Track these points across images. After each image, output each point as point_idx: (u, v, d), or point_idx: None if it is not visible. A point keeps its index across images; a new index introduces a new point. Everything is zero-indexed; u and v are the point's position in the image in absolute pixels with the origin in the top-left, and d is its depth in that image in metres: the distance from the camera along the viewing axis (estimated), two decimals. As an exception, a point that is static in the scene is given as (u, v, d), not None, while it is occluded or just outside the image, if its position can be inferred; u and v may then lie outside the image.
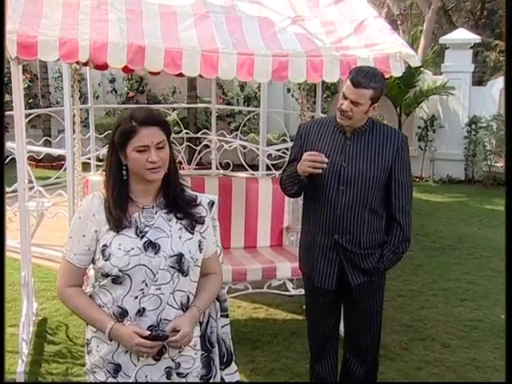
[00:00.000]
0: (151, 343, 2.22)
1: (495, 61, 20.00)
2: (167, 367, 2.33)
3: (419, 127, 10.97)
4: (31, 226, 5.44)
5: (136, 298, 2.25)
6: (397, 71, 3.88)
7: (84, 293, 2.38)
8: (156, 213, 2.32)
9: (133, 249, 2.23)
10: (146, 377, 2.30)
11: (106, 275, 2.26)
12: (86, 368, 2.42)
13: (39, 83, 11.56)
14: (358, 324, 3.46)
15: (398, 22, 15.96)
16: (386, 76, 3.86)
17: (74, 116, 5.88)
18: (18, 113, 4.25)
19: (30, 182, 6.23)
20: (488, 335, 4.99)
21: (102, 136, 9.37)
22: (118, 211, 2.26)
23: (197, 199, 2.40)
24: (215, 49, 3.68)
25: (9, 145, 6.57)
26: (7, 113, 8.92)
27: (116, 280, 2.25)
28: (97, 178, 5.18)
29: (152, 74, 5.45)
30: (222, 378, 2.51)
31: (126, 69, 5.55)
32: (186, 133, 9.23)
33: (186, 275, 2.31)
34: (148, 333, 2.22)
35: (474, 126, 10.82)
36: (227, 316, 2.55)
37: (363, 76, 3.06)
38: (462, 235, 7.91)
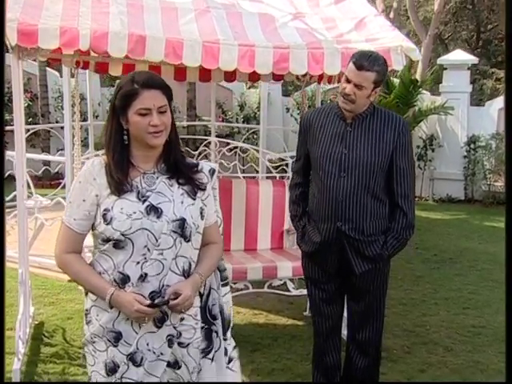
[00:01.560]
0: (151, 311, 2.18)
1: (492, 88, 20.18)
2: (169, 335, 2.28)
3: (418, 147, 10.98)
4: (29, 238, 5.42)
5: (138, 263, 2.21)
6: (398, 64, 3.89)
7: (84, 259, 2.34)
8: (157, 178, 2.29)
9: (135, 212, 2.20)
10: (148, 344, 2.26)
11: (107, 240, 2.22)
12: (84, 339, 2.35)
13: (39, 102, 11.60)
14: (361, 315, 3.40)
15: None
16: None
17: (73, 137, 5.93)
18: (18, 113, 4.21)
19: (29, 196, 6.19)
20: (491, 340, 4.91)
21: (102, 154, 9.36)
22: (120, 174, 2.23)
23: (198, 165, 2.38)
24: (216, 40, 3.69)
25: (8, 153, 6.57)
26: (7, 128, 8.97)
27: (118, 245, 2.21)
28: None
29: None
30: (225, 349, 2.45)
31: (125, 71, 5.60)
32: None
33: (188, 241, 2.28)
34: (148, 302, 2.18)
35: (472, 146, 10.84)
36: (227, 284, 2.51)
37: (366, 59, 3.06)
38: (463, 249, 7.86)
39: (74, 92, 6.33)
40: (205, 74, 5.61)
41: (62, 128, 9.52)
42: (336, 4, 4.44)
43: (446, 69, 11.37)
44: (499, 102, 11.16)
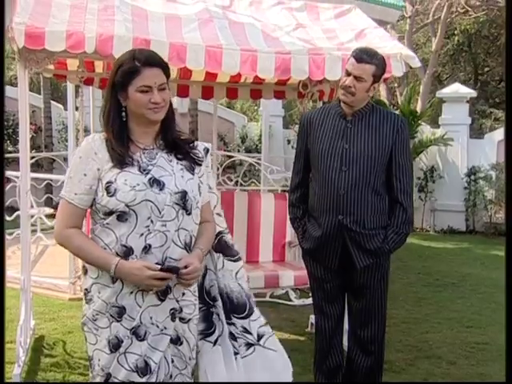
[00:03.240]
0: (163, 274, 2.18)
1: (491, 128, 20.40)
2: (172, 308, 2.29)
3: (419, 178, 11.03)
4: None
5: (142, 235, 2.23)
6: (398, 71, 3.97)
7: (84, 233, 2.35)
8: (157, 154, 2.33)
9: (138, 184, 2.23)
10: (151, 318, 2.26)
11: (111, 213, 2.23)
12: (84, 318, 2.33)
13: (43, 134, 11.71)
14: (362, 313, 3.40)
15: (395, 85, 16.38)
16: (387, 75, 3.96)
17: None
18: (24, 119, 4.27)
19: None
20: (495, 356, 4.85)
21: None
22: (121, 148, 2.26)
23: (194, 142, 2.44)
24: (219, 45, 3.77)
25: (10, 173, 6.64)
26: (11, 155, 9.03)
27: (121, 217, 2.22)
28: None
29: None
30: (230, 333, 2.44)
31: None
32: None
33: (189, 214, 2.30)
34: (158, 267, 2.18)
35: (473, 177, 10.90)
36: (240, 259, 2.51)
37: (366, 53, 3.20)
38: (465, 274, 7.82)
39: (79, 123, 6.45)
40: (207, 91, 5.71)
41: (66, 159, 9.64)
42: (336, 18, 4.56)
43: (444, 102, 11.51)
44: (498, 135, 11.27)
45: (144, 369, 2.24)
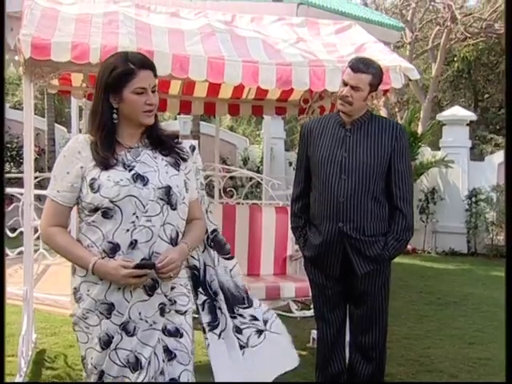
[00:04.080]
0: (138, 271, 2.20)
1: (491, 153, 20.49)
2: (161, 303, 2.31)
3: (420, 200, 11.07)
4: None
5: (127, 230, 2.25)
6: (397, 83, 4.02)
7: (68, 232, 2.37)
8: (142, 151, 2.37)
9: (122, 180, 2.25)
10: (140, 313, 2.27)
11: (95, 209, 2.26)
12: (75, 318, 2.35)
13: (46, 156, 11.80)
14: (363, 320, 3.41)
15: (396, 110, 16.50)
16: (387, 87, 4.02)
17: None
18: (28, 133, 4.32)
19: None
20: (498, 371, 4.82)
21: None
22: (107, 152, 2.29)
23: (178, 136, 2.49)
24: (221, 56, 3.84)
25: (13, 190, 6.69)
26: (14, 175, 9.09)
27: (106, 213, 2.24)
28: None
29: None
30: (235, 327, 2.47)
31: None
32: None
33: (175, 209, 2.32)
34: (134, 263, 2.20)
35: (474, 199, 10.92)
36: (233, 258, 2.53)
37: (362, 62, 3.26)
38: (467, 294, 7.80)
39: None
40: (209, 107, 5.78)
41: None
42: (336, 34, 4.64)
43: (445, 125, 11.60)
44: (499, 157, 11.33)
45: (135, 364, 2.25)
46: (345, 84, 3.25)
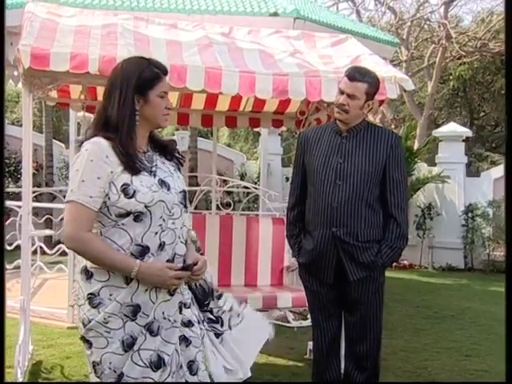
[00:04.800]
0: (184, 273, 2.32)
1: (486, 169, 20.58)
2: (180, 302, 2.39)
3: (417, 215, 11.09)
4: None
5: (156, 233, 2.31)
6: (392, 93, 4.07)
7: (101, 237, 2.34)
8: (153, 156, 2.45)
9: (152, 185, 2.33)
10: (163, 313, 2.33)
11: (127, 214, 2.28)
12: (90, 325, 2.30)
13: (44, 172, 11.82)
14: (357, 328, 3.42)
15: (393, 126, 16.58)
16: (382, 98, 4.07)
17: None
18: (27, 144, 4.35)
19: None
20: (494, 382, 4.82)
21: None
22: (133, 153, 2.35)
23: (176, 144, 2.62)
24: (218, 66, 3.89)
25: (11, 203, 6.70)
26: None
27: (138, 217, 2.29)
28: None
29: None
30: (209, 319, 2.54)
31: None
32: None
33: (186, 211, 2.44)
34: (181, 265, 2.32)
35: (470, 214, 10.94)
36: (203, 254, 2.63)
37: (358, 71, 3.31)
38: (464, 308, 7.79)
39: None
40: (207, 120, 5.82)
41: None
42: (332, 46, 4.70)
43: (441, 141, 11.66)
44: (495, 173, 11.40)
45: (157, 363, 2.28)
46: (341, 92, 3.30)
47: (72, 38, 4.05)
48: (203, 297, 2.52)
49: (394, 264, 9.37)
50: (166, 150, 2.48)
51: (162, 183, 2.35)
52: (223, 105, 5.63)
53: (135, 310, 2.28)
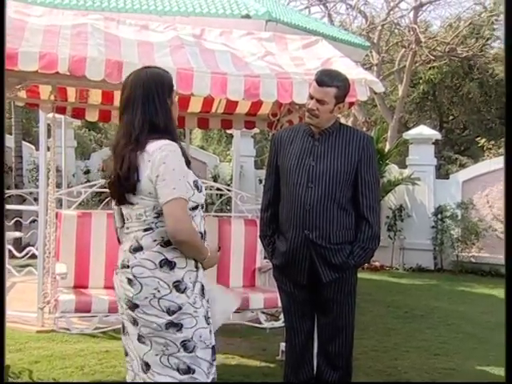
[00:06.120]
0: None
1: (455, 172, 20.87)
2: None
3: (388, 217, 11.20)
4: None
5: (202, 222, 2.64)
6: (362, 95, 4.11)
7: None
8: None
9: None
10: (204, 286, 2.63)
11: (196, 206, 2.57)
12: (184, 308, 2.49)
13: (13, 173, 11.66)
14: (329, 328, 3.44)
15: (364, 129, 16.74)
16: (352, 100, 4.10)
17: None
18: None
19: None
20: (462, 380, 4.90)
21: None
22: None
23: None
24: (190, 68, 3.89)
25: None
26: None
27: (201, 208, 2.62)
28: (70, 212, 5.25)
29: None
30: None
31: (101, 116, 5.78)
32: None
33: None
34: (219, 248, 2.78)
35: (440, 216, 11.09)
36: None
37: (326, 75, 3.33)
38: (433, 307, 7.90)
39: (50, 163, 6.44)
40: (178, 121, 5.78)
41: (36, 199, 9.57)
42: (304, 48, 4.73)
43: (411, 143, 11.80)
44: (463, 175, 11.58)
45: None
46: (311, 97, 3.32)
47: (41, 37, 4.00)
48: None
49: (366, 265, 9.45)
50: None
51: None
52: (195, 106, 5.62)
53: (202, 288, 2.58)
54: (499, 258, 10.54)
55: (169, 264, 2.48)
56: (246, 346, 5.42)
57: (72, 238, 4.82)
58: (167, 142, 2.46)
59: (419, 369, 5.11)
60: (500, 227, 10.57)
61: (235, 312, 4.53)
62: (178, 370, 2.50)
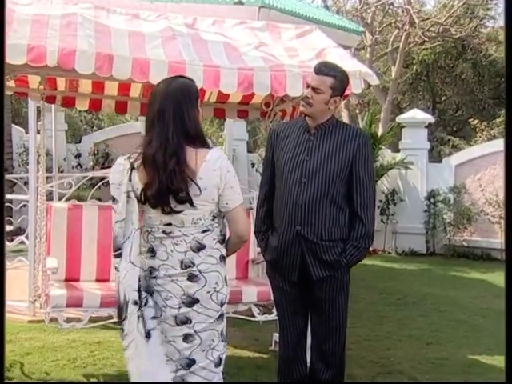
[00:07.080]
0: None
1: (449, 154, 20.86)
2: None
3: (380, 201, 11.18)
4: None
5: None
6: (357, 88, 4.06)
7: None
8: None
9: None
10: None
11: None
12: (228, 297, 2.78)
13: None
14: (322, 326, 3.43)
15: (357, 111, 16.67)
16: (347, 92, 4.04)
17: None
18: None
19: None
20: (455, 370, 4.93)
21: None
22: None
23: None
24: (182, 61, 3.82)
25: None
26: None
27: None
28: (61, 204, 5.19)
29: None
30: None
31: (91, 105, 5.70)
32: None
33: None
34: None
35: (432, 200, 11.09)
36: None
37: (325, 65, 3.32)
38: (426, 294, 7.93)
39: (40, 147, 6.34)
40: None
41: (26, 183, 9.48)
42: (297, 38, 4.66)
43: (404, 127, 11.76)
44: (456, 159, 11.57)
45: None
46: (307, 86, 3.30)
47: (29, 28, 3.90)
48: None
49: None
50: None
51: None
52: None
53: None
54: (491, 241, 10.61)
55: (224, 260, 2.76)
56: (239, 336, 5.42)
57: (63, 230, 4.76)
58: (217, 150, 2.68)
59: (412, 359, 5.13)
60: (491, 211, 10.60)
61: (228, 303, 4.54)
62: (214, 363, 2.72)
